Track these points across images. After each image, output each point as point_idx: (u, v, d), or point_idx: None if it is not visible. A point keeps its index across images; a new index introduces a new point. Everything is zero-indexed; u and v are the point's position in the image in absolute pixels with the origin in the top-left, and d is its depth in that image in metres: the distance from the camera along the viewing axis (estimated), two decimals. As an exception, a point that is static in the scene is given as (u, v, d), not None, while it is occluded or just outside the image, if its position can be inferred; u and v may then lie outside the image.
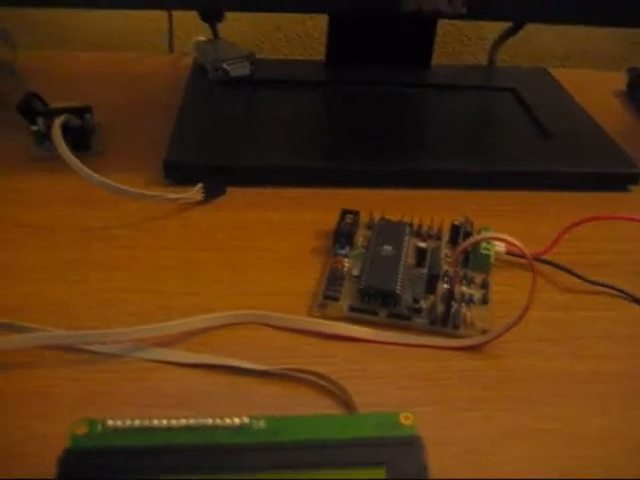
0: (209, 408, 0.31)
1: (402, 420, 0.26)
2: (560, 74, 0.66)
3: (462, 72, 0.64)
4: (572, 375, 0.34)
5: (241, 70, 0.59)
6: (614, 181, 0.50)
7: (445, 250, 0.41)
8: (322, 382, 0.32)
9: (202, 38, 0.65)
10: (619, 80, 0.68)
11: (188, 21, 0.72)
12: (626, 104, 0.65)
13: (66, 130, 0.48)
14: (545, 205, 0.48)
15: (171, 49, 0.72)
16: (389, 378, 0.33)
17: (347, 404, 0.31)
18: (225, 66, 0.59)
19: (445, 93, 0.60)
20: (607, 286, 0.40)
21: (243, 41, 0.75)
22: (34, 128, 0.50)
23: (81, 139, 0.50)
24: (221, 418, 0.26)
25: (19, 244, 0.41)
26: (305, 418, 0.27)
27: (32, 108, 0.50)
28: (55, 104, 0.50)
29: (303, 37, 0.77)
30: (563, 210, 0.47)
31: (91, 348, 0.34)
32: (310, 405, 0.31)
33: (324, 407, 0.31)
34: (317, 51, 0.77)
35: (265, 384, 0.32)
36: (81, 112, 0.51)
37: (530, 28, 0.65)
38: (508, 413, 0.32)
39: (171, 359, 0.33)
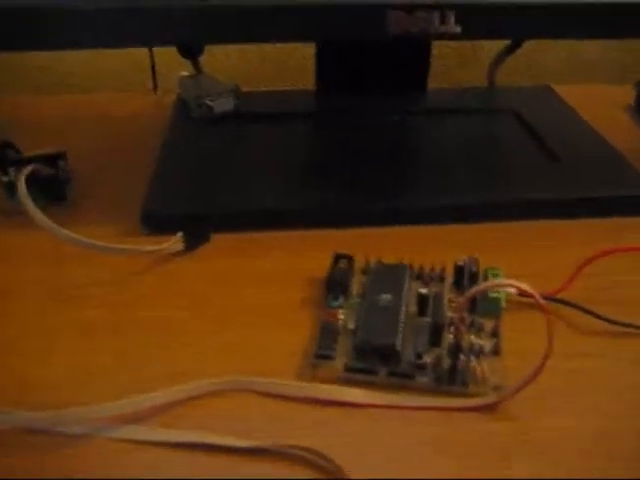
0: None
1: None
2: (564, 91, 0.62)
3: (460, 94, 0.61)
4: (604, 438, 0.30)
5: (225, 105, 0.56)
6: (631, 205, 0.46)
7: (449, 295, 0.37)
8: (315, 458, 0.28)
9: (185, 73, 0.61)
10: (627, 94, 0.65)
11: (172, 57, 0.69)
12: (636, 119, 0.61)
13: (39, 180, 0.45)
14: (557, 236, 0.44)
15: (155, 87, 0.69)
16: (392, 450, 0.29)
17: (344, 484, 0.27)
18: (208, 102, 0.56)
19: (443, 118, 0.56)
20: (633, 326, 0.36)
21: (231, 75, 0.72)
22: (5, 179, 0.47)
23: (54, 189, 0.47)
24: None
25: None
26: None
27: (4, 157, 0.47)
28: (29, 152, 0.47)
29: (293, 68, 0.74)
30: (578, 241, 0.43)
31: (57, 429, 0.30)
32: (301, 488, 0.28)
33: (318, 490, 0.27)
34: (310, 81, 0.74)
35: (252, 462, 0.29)
36: (54, 159, 0.48)
37: (529, 44, 0.62)
38: (531, 486, 0.28)
39: (143, 437, 0.30)
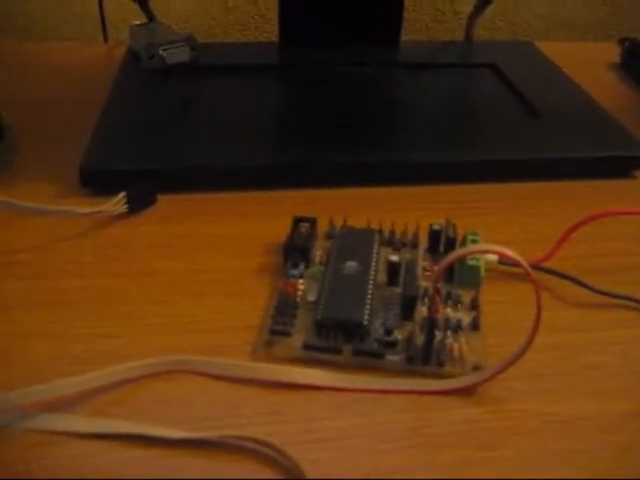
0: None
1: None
2: (545, 47, 0.58)
3: (435, 49, 0.56)
4: (589, 421, 0.26)
5: (179, 56, 0.51)
6: (618, 166, 0.43)
7: (423, 262, 0.33)
8: (267, 450, 0.25)
9: (137, 22, 0.56)
10: (610, 52, 0.61)
11: (126, 6, 0.64)
12: (622, 78, 0.58)
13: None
14: (539, 199, 0.40)
15: (105, 38, 0.63)
16: (355, 439, 0.25)
17: (295, 478, 0.24)
18: (161, 52, 0.51)
19: (416, 72, 0.52)
20: (623, 297, 0.32)
21: (191, 28, 0.67)
22: None
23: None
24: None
25: None
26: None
27: None
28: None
29: (258, 19, 0.69)
30: (561, 204, 0.40)
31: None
32: (250, 485, 0.24)
33: (268, 487, 0.24)
34: (274, 34, 0.69)
35: (194, 457, 0.24)
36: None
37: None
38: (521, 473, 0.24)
39: (70, 429, 0.25)
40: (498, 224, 0.38)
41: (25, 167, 0.41)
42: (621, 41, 0.61)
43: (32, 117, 0.47)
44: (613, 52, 0.61)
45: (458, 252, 0.26)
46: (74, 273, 0.33)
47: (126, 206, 0.37)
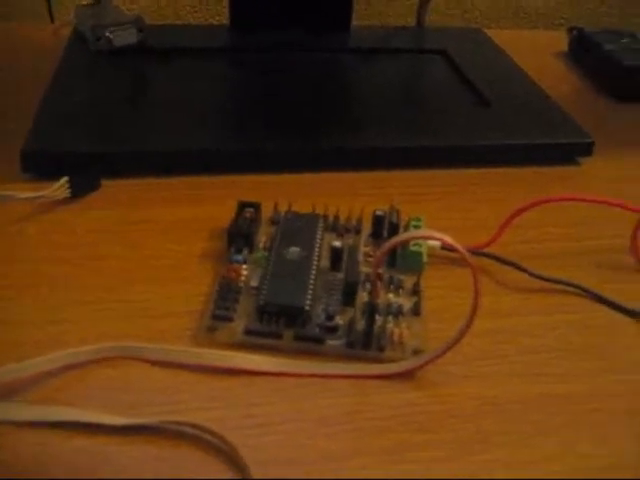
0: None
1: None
2: (495, 35, 0.59)
3: (386, 34, 0.56)
4: (526, 404, 0.27)
5: (127, 38, 0.50)
6: (562, 153, 0.43)
7: (366, 248, 0.33)
8: (207, 436, 0.25)
9: (84, 2, 0.55)
10: (559, 40, 0.62)
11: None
12: (569, 66, 0.58)
13: None
14: (485, 185, 0.41)
15: (51, 18, 0.62)
16: (296, 423, 0.25)
17: (238, 466, 0.24)
18: (108, 34, 0.50)
19: (366, 58, 0.52)
20: (562, 282, 0.33)
21: (140, 9, 0.65)
22: None
23: None
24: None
25: None
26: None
27: None
28: None
29: (209, 1, 0.68)
30: (506, 190, 0.40)
31: None
32: (191, 470, 0.23)
33: (207, 471, 0.24)
34: (225, 17, 0.68)
35: (134, 444, 0.24)
36: None
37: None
38: (450, 464, 0.24)
39: (12, 417, 0.25)
40: (443, 210, 0.38)
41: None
42: (569, 30, 0.62)
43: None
44: (562, 40, 0.61)
45: (398, 237, 0.26)
46: (17, 258, 0.32)
47: (69, 191, 0.36)
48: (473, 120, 0.43)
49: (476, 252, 0.33)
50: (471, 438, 0.25)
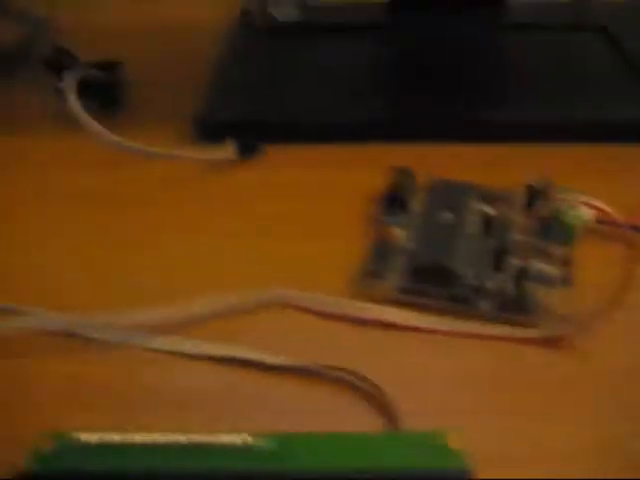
0: (216, 413, 0.25)
1: (450, 443, 0.20)
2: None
3: (544, 9, 0.55)
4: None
5: (290, 15, 0.53)
6: None
7: (518, 217, 0.34)
8: (359, 383, 0.26)
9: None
10: None
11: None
12: None
13: (93, 87, 0.44)
14: (642, 162, 0.40)
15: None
16: (444, 379, 0.27)
17: (388, 413, 0.25)
18: (272, 11, 0.52)
19: (524, 34, 0.51)
20: None
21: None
22: (60, 84, 0.45)
23: (108, 96, 0.45)
24: (219, 435, 0.20)
25: (18, 209, 0.36)
26: (324, 437, 0.21)
27: (59, 63, 0.45)
28: (86, 59, 0.45)
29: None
30: (668, 168, 0.39)
31: (87, 334, 0.28)
32: (341, 413, 0.25)
33: (358, 416, 0.25)
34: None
35: (290, 383, 0.26)
36: (111, 67, 0.46)
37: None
38: (594, 431, 0.25)
39: (176, 349, 0.28)
40: (598, 185, 0.37)
41: (140, 118, 0.44)
42: None
43: (149, 72, 0.49)
44: None
45: (556, 202, 0.26)
46: (183, 214, 0.36)
47: (235, 154, 0.39)
48: (634, 96, 0.42)
49: (633, 227, 0.33)
50: (617, 406, 0.25)
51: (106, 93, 0.45)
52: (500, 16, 0.54)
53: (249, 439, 0.20)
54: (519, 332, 0.28)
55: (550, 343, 0.28)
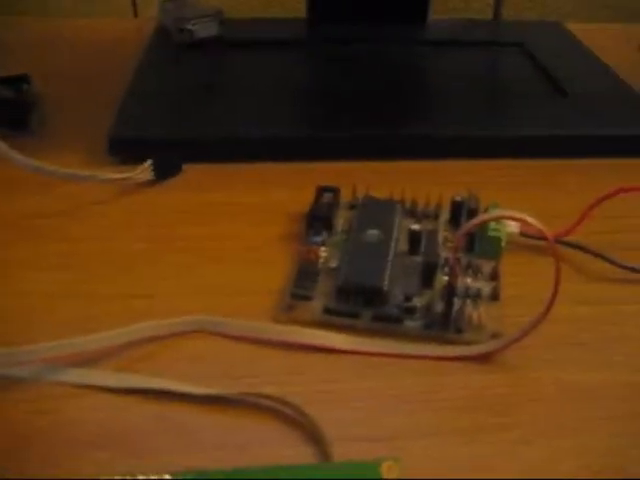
0: (137, 449, 0.24)
1: (384, 473, 0.19)
2: (575, 29, 0.58)
3: (463, 27, 0.56)
4: (608, 390, 0.26)
5: (208, 30, 0.52)
6: (644, 145, 0.42)
7: (445, 233, 0.33)
8: (285, 409, 0.25)
9: (167, -2, 0.57)
10: (641, 33, 0.60)
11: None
12: (653, 59, 0.57)
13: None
14: (565, 175, 0.40)
15: (135, 13, 0.64)
16: (373, 401, 0.26)
17: (317, 439, 0.24)
18: (190, 26, 0.51)
19: (444, 50, 0.52)
20: (646, 272, 0.32)
21: (219, 3, 0.67)
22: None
23: (15, 114, 0.43)
24: (136, 476, 0.19)
25: None
26: (249, 472, 0.19)
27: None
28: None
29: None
30: (587, 181, 0.39)
31: (-5, 371, 0.26)
32: (268, 441, 0.24)
33: (287, 445, 0.24)
34: (302, 12, 0.69)
35: (212, 413, 0.25)
36: (18, 83, 0.44)
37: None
38: (527, 447, 0.24)
39: (92, 383, 0.26)
40: (521, 199, 0.38)
41: (55, 136, 0.42)
42: (653, 23, 0.60)
43: (63, 90, 0.48)
44: (644, 34, 0.60)
45: (480, 217, 0.26)
46: (101, 237, 0.34)
47: (152, 174, 0.37)
48: (551, 110, 0.43)
49: (556, 240, 0.33)
50: (547, 423, 0.25)
51: (12, 111, 0.43)
52: (420, 33, 0.54)
53: (167, 477, 0.19)
54: (449, 350, 0.28)
55: (480, 360, 0.27)
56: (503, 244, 0.32)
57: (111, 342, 0.27)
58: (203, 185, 0.38)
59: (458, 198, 0.33)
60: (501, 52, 0.52)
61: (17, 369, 0.26)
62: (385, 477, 0.19)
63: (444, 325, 0.28)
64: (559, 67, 0.48)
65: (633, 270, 0.32)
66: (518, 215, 0.25)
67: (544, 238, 0.25)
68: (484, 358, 0.27)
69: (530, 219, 0.25)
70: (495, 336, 0.28)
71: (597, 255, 0.33)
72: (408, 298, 0.29)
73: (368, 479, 0.19)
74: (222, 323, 0.28)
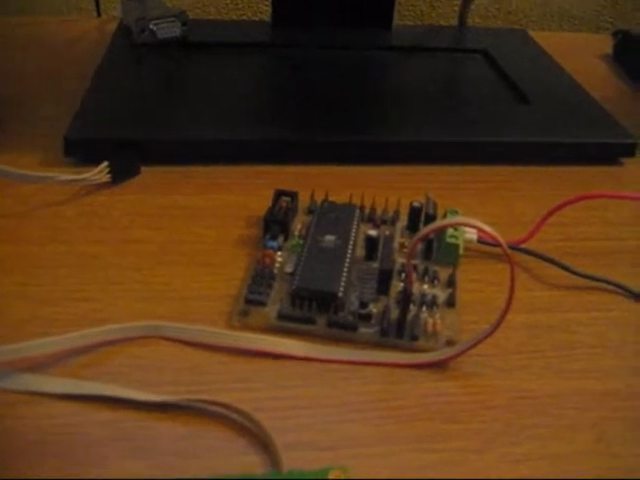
0: (82, 458, 0.23)
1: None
2: (539, 37, 0.58)
3: (427, 33, 0.56)
4: (560, 399, 0.26)
5: (171, 31, 0.51)
6: (604, 153, 0.43)
7: (402, 239, 0.33)
8: (236, 417, 0.25)
9: (129, -3, 0.56)
10: (604, 43, 0.61)
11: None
12: (613, 69, 0.57)
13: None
14: (524, 182, 0.40)
15: (98, 12, 0.63)
16: (325, 408, 0.25)
17: (266, 446, 0.24)
18: (152, 26, 0.50)
19: (407, 55, 0.52)
20: (601, 280, 0.32)
21: (184, 5, 0.66)
22: None
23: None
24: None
25: None
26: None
27: None
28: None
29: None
30: (546, 188, 0.40)
31: None
32: (218, 449, 0.24)
33: (236, 451, 0.24)
34: (268, 14, 0.69)
35: (162, 421, 0.24)
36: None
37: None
38: (480, 455, 0.24)
39: (40, 389, 0.25)
40: (480, 205, 0.38)
41: (11, 136, 0.41)
42: (614, 33, 0.61)
43: (21, 89, 0.47)
44: (606, 43, 0.61)
45: (435, 223, 0.26)
46: (53, 239, 0.33)
47: (109, 176, 0.37)
48: (512, 117, 0.43)
49: (514, 247, 0.33)
50: (501, 430, 0.25)
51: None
52: (385, 38, 0.54)
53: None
54: (403, 357, 0.27)
55: (435, 367, 0.27)
56: (461, 251, 0.32)
57: (60, 347, 0.26)
58: (160, 187, 0.37)
59: (416, 203, 0.33)
60: (464, 58, 0.52)
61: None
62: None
63: (399, 332, 0.28)
64: (522, 74, 0.49)
65: (587, 277, 0.32)
66: (473, 222, 0.25)
67: (499, 245, 0.25)
68: (438, 365, 0.27)
69: (485, 226, 0.25)
70: (450, 343, 0.28)
71: (552, 262, 0.33)
72: (363, 304, 0.29)
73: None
74: (174, 328, 0.28)
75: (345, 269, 0.29)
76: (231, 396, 0.25)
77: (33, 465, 0.23)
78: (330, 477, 0.19)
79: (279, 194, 0.34)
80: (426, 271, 0.31)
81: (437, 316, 0.29)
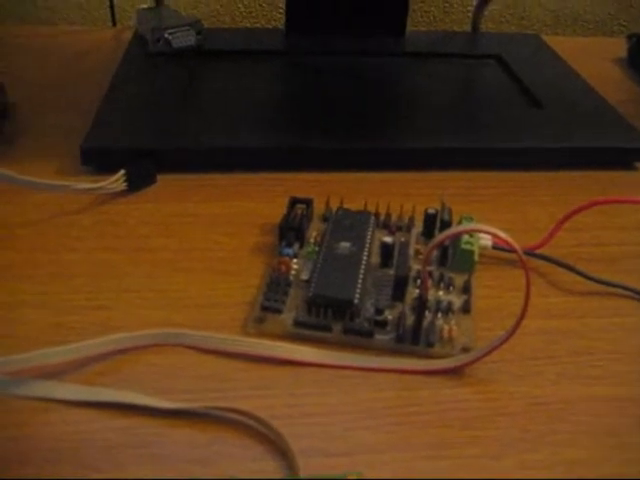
0: (98, 464, 0.23)
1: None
2: (552, 41, 0.58)
3: (441, 38, 0.56)
4: (576, 405, 0.26)
5: (186, 40, 0.51)
6: (619, 158, 0.43)
7: (417, 245, 0.33)
8: (253, 423, 0.25)
9: (144, 6, 0.56)
10: (618, 47, 0.61)
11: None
12: (627, 73, 0.57)
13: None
14: (538, 188, 0.40)
15: (114, 22, 0.64)
16: (341, 415, 0.25)
17: (283, 453, 0.24)
18: (167, 36, 0.51)
19: (421, 62, 0.52)
20: (617, 285, 0.32)
21: (198, 14, 0.67)
22: None
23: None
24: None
25: None
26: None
27: None
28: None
29: (265, 7, 0.69)
30: (560, 193, 0.40)
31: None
32: (234, 456, 0.24)
33: (253, 457, 0.24)
34: (281, 22, 0.69)
35: (179, 428, 0.25)
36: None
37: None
38: (496, 462, 0.24)
39: (59, 396, 0.26)
40: (495, 211, 0.38)
41: (28, 145, 0.42)
42: (629, 37, 0.61)
43: (38, 98, 0.47)
44: (620, 47, 0.60)
45: (450, 230, 0.26)
46: (70, 247, 0.33)
47: (125, 184, 0.37)
48: (527, 123, 0.43)
49: (529, 253, 0.33)
50: (517, 437, 0.25)
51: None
52: (398, 44, 0.54)
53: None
54: (419, 364, 0.27)
55: (450, 374, 0.27)
56: (476, 257, 0.32)
57: (76, 355, 0.27)
58: (176, 195, 0.37)
59: (431, 210, 0.33)
60: (478, 64, 0.52)
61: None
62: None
63: (415, 339, 0.28)
64: (535, 79, 0.49)
65: (603, 283, 0.32)
66: (488, 228, 0.25)
67: (514, 251, 0.25)
68: (454, 372, 0.27)
69: (500, 233, 0.25)
70: (465, 350, 0.28)
71: (567, 268, 0.33)
72: (379, 311, 0.29)
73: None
74: (189, 336, 0.28)
75: (360, 276, 0.30)
76: (247, 403, 0.25)
77: (49, 471, 0.23)
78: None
79: (294, 201, 0.34)
80: (441, 277, 0.31)
81: (453, 322, 0.29)
